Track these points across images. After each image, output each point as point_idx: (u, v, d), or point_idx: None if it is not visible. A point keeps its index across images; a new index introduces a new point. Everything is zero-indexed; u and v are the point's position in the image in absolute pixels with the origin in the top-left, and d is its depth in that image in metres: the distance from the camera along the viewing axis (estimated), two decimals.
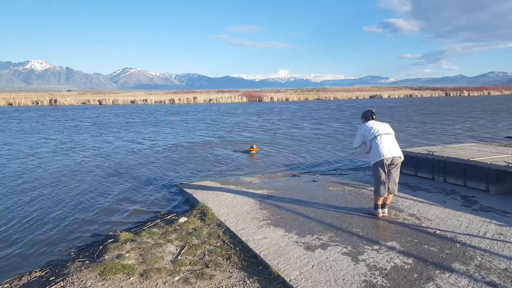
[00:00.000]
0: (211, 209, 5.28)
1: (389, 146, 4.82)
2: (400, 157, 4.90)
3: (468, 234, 4.25)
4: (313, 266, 3.52)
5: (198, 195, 6.12)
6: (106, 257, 4.01)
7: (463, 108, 34.93)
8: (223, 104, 52.06)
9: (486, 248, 3.86)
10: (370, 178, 7.32)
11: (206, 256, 3.87)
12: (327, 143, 13.67)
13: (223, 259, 3.81)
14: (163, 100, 55.76)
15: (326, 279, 3.26)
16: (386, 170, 4.84)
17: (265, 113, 32.57)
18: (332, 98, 65.95)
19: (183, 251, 4.01)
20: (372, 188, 6.34)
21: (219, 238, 4.34)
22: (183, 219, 4.95)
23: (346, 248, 3.93)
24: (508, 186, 5.96)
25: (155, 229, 4.75)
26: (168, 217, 5.32)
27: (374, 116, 5.16)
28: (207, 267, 3.64)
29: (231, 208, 5.36)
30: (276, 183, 6.97)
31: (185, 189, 6.61)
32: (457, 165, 6.49)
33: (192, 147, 13.06)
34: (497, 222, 4.62)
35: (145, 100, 54.82)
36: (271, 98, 60.95)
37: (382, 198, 4.95)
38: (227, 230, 4.54)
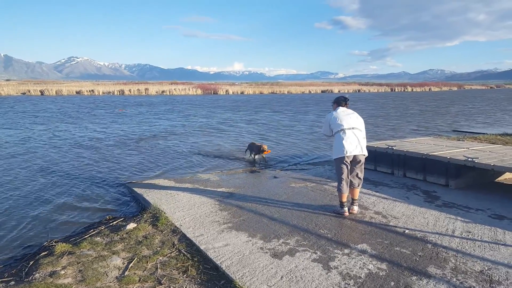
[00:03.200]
0: (164, 212, 4.72)
1: (352, 143, 4.53)
2: (364, 154, 4.67)
3: (437, 233, 4.11)
4: (282, 277, 3.13)
5: (150, 195, 5.51)
6: (37, 275, 3.35)
7: (410, 103, 36.64)
8: (178, 96, 50.46)
9: (458, 248, 3.71)
10: (330, 173, 7.13)
11: (159, 270, 3.35)
12: (285, 136, 13.44)
13: (179, 273, 3.31)
14: (112, 91, 52.92)
15: None
16: (348, 166, 4.60)
17: (220, 105, 31.89)
18: (286, 92, 66.54)
19: (131, 264, 3.45)
20: (334, 184, 6.15)
21: (174, 247, 3.82)
22: (131, 225, 4.35)
23: (316, 253, 3.60)
24: (467, 181, 6.00)
25: (98, 238, 4.12)
26: (114, 222, 4.68)
27: (346, 103, 4.87)
28: (160, 283, 3.13)
29: (188, 210, 4.84)
30: (235, 180, 6.53)
31: (135, 189, 5.96)
32: (416, 160, 6.45)
33: (143, 141, 12.21)
34: (463, 219, 4.55)
35: (92, 91, 51.67)
36: (227, 91, 60.20)
37: (346, 195, 4.70)
38: (183, 237, 4.03)
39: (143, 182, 6.52)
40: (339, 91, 72.04)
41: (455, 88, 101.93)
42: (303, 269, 3.28)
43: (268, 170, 7.63)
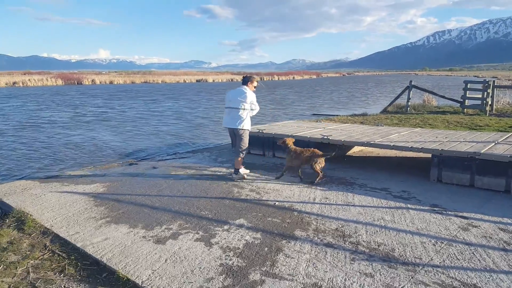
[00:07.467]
0: (31, 215, 4.29)
1: (227, 119, 5.87)
2: (236, 128, 5.71)
3: (301, 202, 4.77)
4: (166, 260, 3.26)
5: (11, 199, 4.89)
6: None
7: (279, 90, 39.77)
8: (35, 87, 44.06)
9: (318, 212, 4.40)
10: (209, 159, 7.43)
11: (31, 274, 3.10)
12: (163, 125, 13.22)
13: (55, 274, 3.13)
14: None
15: (182, 271, 3.07)
16: (232, 137, 6.03)
17: (92, 95, 29.16)
18: (160, 81, 64.52)
19: None
20: (213, 169, 6.53)
21: (46, 248, 3.55)
22: None
23: (198, 233, 3.82)
24: None
25: None
26: None
27: (246, 80, 5.94)
28: (34, 287, 2.92)
29: (59, 210, 4.49)
30: (111, 175, 6.25)
31: None
32: None
33: None
34: (321, 188, 5.35)
35: None
36: (93, 80, 55.11)
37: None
38: (56, 238, 3.76)
39: (1, 185, 5.71)
40: (213, 81, 73.25)
41: (314, 76, 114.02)
42: (186, 249, 3.46)
43: (147, 161, 7.50)
